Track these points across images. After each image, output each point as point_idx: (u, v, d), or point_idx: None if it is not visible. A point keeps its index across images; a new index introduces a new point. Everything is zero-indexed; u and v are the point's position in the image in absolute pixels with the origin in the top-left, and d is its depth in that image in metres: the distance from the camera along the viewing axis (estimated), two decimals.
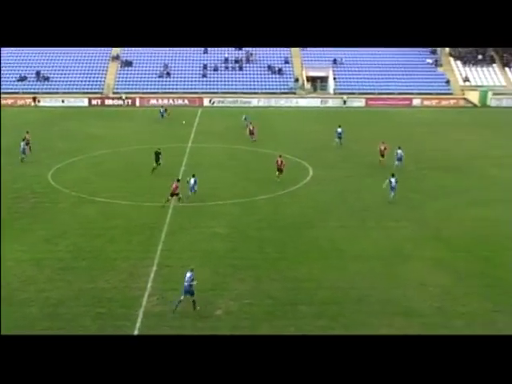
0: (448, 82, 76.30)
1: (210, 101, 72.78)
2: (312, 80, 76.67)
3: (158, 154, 39.85)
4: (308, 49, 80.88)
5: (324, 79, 77.02)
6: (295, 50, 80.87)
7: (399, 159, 42.01)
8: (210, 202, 34.13)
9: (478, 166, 43.17)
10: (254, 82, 76.24)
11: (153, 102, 72.24)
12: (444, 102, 73.87)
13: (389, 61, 79.27)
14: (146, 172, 39.91)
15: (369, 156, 45.34)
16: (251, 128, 51.13)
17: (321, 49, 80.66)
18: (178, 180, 33.93)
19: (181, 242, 28.04)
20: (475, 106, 73.20)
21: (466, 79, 76.58)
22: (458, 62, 79.30)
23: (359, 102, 73.35)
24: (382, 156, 42.65)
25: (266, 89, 75.27)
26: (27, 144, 44.18)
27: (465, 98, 74.54)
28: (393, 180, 34.19)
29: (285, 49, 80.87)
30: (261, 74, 77.37)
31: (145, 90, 74.22)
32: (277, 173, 38.43)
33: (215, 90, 74.65)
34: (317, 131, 56.11)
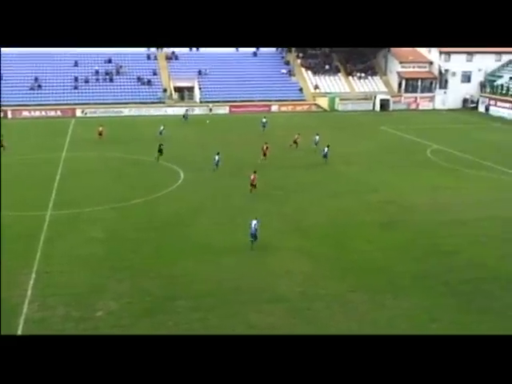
0: (301, 89, 78.93)
1: (83, 111, 70.18)
2: (179, 90, 76.24)
3: (160, 145, 44.80)
4: (174, 61, 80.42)
5: (190, 89, 76.87)
6: (162, 63, 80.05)
7: (325, 156, 44.45)
8: (86, 208, 32.86)
9: (330, 163, 44.97)
10: (124, 92, 74.45)
11: (25, 113, 68.57)
12: (298, 108, 76.30)
13: (249, 71, 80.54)
14: (19, 182, 37.70)
15: (234, 159, 45.81)
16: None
17: (187, 61, 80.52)
18: (255, 172, 35.91)
19: (59, 249, 26.74)
20: (325, 110, 76.29)
21: (316, 87, 79.65)
22: (309, 72, 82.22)
23: (224, 110, 73.95)
24: (264, 155, 44.12)
25: (136, 99, 73.77)
26: None
27: (316, 104, 77.48)
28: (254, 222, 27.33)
29: (153, 61, 79.88)
30: (131, 85, 75.74)
31: (16, 103, 70.08)
32: (262, 157, 43.41)
33: (87, 101, 72.01)
34: (185, 137, 55.85)
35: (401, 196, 36.25)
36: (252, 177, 36.05)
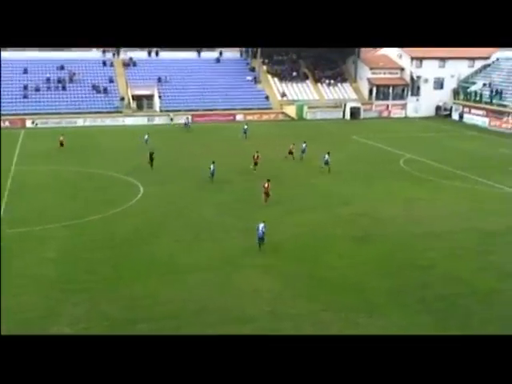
0: (267, 97, 79.41)
1: (33, 122, 69.19)
2: (138, 98, 75.87)
3: (151, 154, 46.99)
4: (132, 67, 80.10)
5: (150, 97, 76.58)
6: (120, 69, 79.65)
7: (326, 163, 46.20)
8: (37, 227, 32.31)
9: (300, 175, 45.24)
10: (78, 101, 73.72)
11: None
12: (265, 117, 76.70)
13: (212, 78, 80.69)
14: None
15: (197, 170, 45.74)
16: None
17: (145, 68, 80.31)
18: (269, 180, 37.48)
19: (8, 270, 26.14)
20: (293, 119, 76.88)
21: (284, 94, 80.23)
22: (276, 79, 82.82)
23: (185, 119, 73.64)
24: (255, 164, 46.19)
25: (91, 108, 73.11)
26: None
27: (283, 112, 78.01)
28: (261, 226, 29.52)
29: (109, 67, 79.40)
30: (85, 94, 75.04)
31: None
32: (252, 166, 45.72)
33: (38, 111, 71.05)
34: (145, 149, 55.50)
35: (373, 208, 36.67)
36: (266, 185, 37.29)
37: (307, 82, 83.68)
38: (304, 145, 51.30)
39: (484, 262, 28.23)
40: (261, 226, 29.05)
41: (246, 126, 62.85)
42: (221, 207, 36.66)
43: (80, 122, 70.36)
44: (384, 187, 41.97)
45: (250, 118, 75.67)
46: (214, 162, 43.20)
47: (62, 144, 54.12)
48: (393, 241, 31.00)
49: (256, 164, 46.15)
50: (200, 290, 24.60)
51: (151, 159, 46.86)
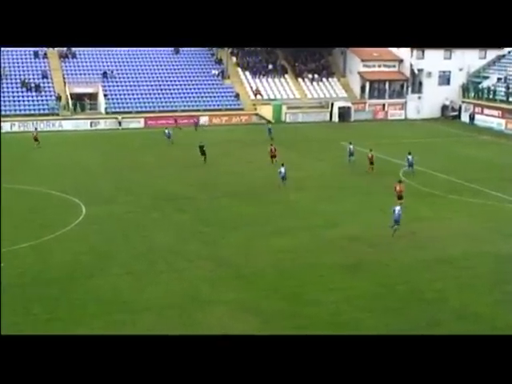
0: (237, 95, 79.56)
1: None
2: (78, 98, 75.51)
3: (202, 147, 53.21)
4: (71, 60, 79.78)
5: (93, 96, 76.30)
6: (55, 62, 79.23)
7: (410, 165, 49.92)
8: None
9: (277, 191, 45.29)
10: (4, 101, 73.03)
11: None
12: (235, 119, 76.88)
13: (170, 73, 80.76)
14: None
15: (153, 185, 45.52)
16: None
17: (87, 60, 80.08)
18: (400, 181, 41.59)
19: None
20: (269, 122, 76.93)
21: (257, 92, 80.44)
22: (247, 73, 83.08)
23: (137, 123, 73.65)
24: (273, 157, 52.03)
25: (20, 110, 72.59)
26: None
27: (257, 114, 78.20)
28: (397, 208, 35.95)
29: (42, 60, 78.95)
30: (12, 92, 74.48)
31: None
32: (270, 159, 52.14)
33: None
34: (87, 159, 55.21)
35: (368, 230, 36.80)
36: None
37: (286, 76, 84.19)
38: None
39: (503, 294, 28.47)
40: (397, 208, 35.31)
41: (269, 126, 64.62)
42: (181, 230, 36.46)
43: (6, 126, 69.54)
44: (380, 204, 42.10)
45: (216, 121, 75.92)
46: (283, 165, 46.02)
47: (36, 139, 60.06)
48: (393, 269, 31.10)
49: (274, 157, 52.33)
50: (156, 333, 24.35)
51: (203, 153, 52.81)
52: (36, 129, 65.80)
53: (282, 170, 45.76)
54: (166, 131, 63.63)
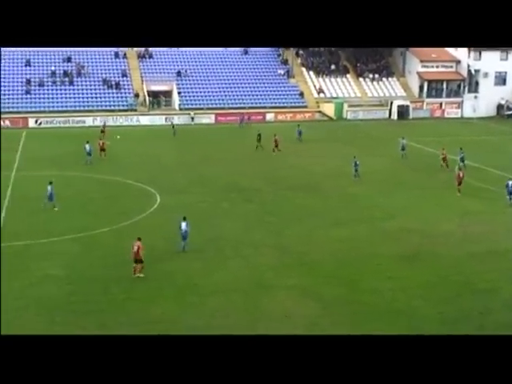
0: (302, 94, 79.51)
1: (37, 121, 70.34)
2: (154, 95, 76.64)
3: (259, 135, 56.30)
4: (148, 60, 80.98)
5: (168, 94, 77.30)
6: (133, 62, 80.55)
7: (462, 160, 47.91)
8: (41, 240, 32.79)
9: (337, 184, 45.17)
10: (87, 98, 74.71)
11: None
12: (299, 116, 76.75)
13: (238, 73, 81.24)
14: None
15: (223, 178, 45.97)
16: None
17: (163, 60, 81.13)
18: (460, 168, 41.85)
19: (8, 290, 26.58)
20: (331, 119, 76.81)
21: (321, 91, 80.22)
22: (311, 73, 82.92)
23: (208, 119, 74.36)
24: (276, 146, 54.40)
25: (101, 106, 74.09)
26: None
27: (320, 111, 78.03)
28: None
29: (121, 60, 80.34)
30: (95, 90, 76.06)
31: None
32: (273, 148, 54.04)
33: (42, 109, 72.25)
34: (162, 152, 56.02)
35: (424, 223, 36.43)
36: (461, 174, 42.22)
37: (347, 76, 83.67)
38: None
39: None
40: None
41: (299, 128, 62.02)
42: (248, 220, 36.78)
43: (89, 121, 71.22)
44: (436, 198, 41.66)
45: (281, 117, 75.96)
46: (355, 157, 46.79)
47: (103, 149, 52.83)
48: (448, 261, 30.74)
49: (277, 146, 53.88)
50: (223, 314, 24.67)
51: (259, 140, 55.73)
52: (105, 122, 66.34)
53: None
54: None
